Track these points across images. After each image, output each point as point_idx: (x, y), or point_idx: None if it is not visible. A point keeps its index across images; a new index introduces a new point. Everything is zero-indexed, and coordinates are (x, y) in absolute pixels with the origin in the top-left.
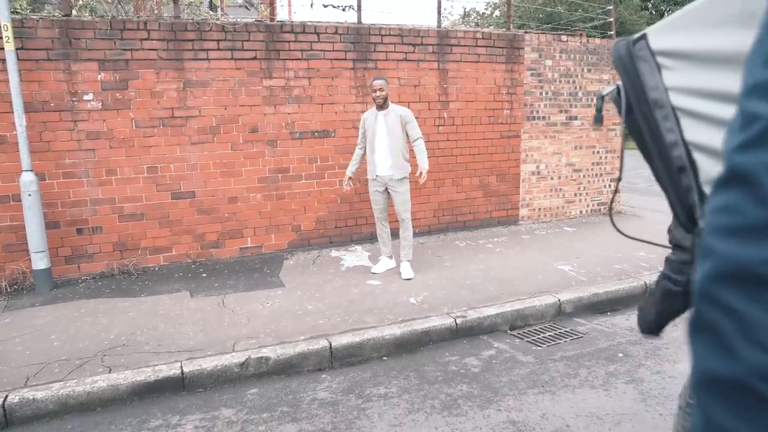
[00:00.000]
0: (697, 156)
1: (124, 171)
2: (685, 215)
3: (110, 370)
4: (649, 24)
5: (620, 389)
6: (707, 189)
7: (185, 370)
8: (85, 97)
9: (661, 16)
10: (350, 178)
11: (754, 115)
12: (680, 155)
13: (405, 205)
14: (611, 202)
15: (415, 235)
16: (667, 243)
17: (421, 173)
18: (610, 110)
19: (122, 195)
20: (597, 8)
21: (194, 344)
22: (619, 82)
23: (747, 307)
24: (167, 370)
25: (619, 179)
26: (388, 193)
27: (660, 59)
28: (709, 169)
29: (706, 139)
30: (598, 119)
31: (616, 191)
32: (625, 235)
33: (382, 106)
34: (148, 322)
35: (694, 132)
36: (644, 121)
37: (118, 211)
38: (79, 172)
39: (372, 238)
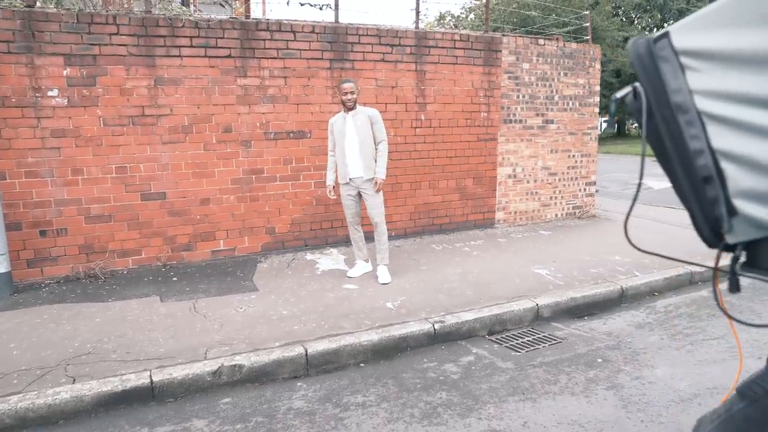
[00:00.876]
0: (726, 165)
1: (92, 171)
2: (709, 229)
3: (74, 380)
4: (620, 30)
5: (600, 396)
6: (737, 201)
7: (155, 379)
8: (50, 93)
9: (632, 22)
10: (333, 186)
11: None
12: (706, 164)
13: (378, 209)
14: (627, 215)
15: (390, 238)
16: (681, 257)
17: (375, 181)
18: (585, 113)
19: (89, 195)
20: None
21: (164, 352)
22: (637, 84)
23: None
24: (135, 379)
25: (639, 186)
26: (360, 197)
27: (684, 59)
28: (740, 179)
29: (737, 147)
30: (611, 124)
31: (634, 200)
32: (641, 250)
33: (351, 108)
34: (116, 328)
35: (722, 139)
36: (665, 127)
37: (85, 212)
38: (43, 172)
39: (348, 241)
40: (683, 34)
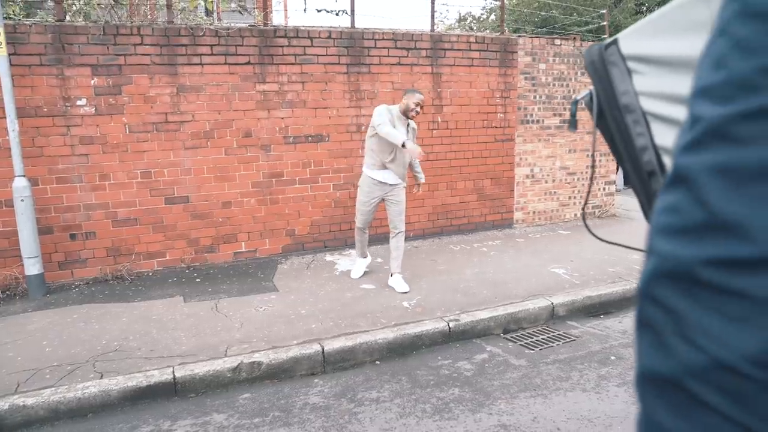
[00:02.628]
0: (667, 160)
1: (118, 176)
2: None
3: (102, 375)
4: None
5: (612, 392)
6: None
7: (177, 375)
8: (78, 103)
9: None
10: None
11: (697, 117)
12: (650, 160)
13: (403, 215)
14: (584, 204)
15: (409, 239)
16: (641, 247)
17: (419, 186)
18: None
19: (116, 200)
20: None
21: (186, 349)
22: (592, 87)
23: (682, 306)
24: (159, 375)
25: (591, 181)
26: (379, 204)
27: (630, 64)
28: None
29: (674, 142)
30: (573, 124)
31: (588, 193)
32: (598, 238)
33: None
34: (141, 327)
35: (663, 136)
36: (615, 126)
37: (112, 216)
38: (72, 177)
39: (370, 241)
40: (630, 40)
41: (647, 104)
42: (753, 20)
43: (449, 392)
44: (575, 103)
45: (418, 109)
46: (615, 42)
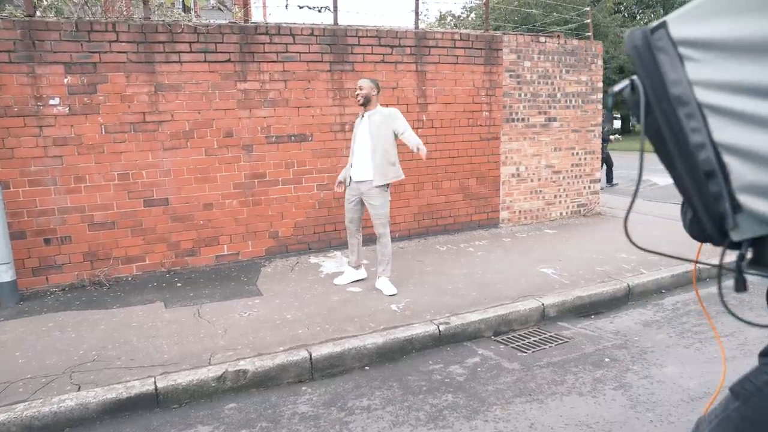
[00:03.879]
0: (729, 159)
1: (94, 178)
2: (712, 225)
3: (79, 387)
4: (622, 26)
5: (608, 396)
6: (742, 197)
7: (159, 385)
8: (51, 102)
9: (634, 18)
10: (340, 182)
11: None
12: (708, 158)
13: (382, 219)
14: (627, 213)
15: (394, 239)
16: (683, 255)
17: (418, 148)
18: (588, 111)
19: (92, 203)
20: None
21: (168, 358)
22: (634, 77)
23: None
24: (140, 386)
25: (638, 184)
26: (362, 204)
27: (683, 50)
28: (744, 173)
29: (740, 139)
30: (609, 119)
31: (634, 197)
32: (642, 249)
33: (365, 106)
34: (121, 335)
35: (724, 132)
36: (665, 121)
37: (88, 219)
38: (46, 180)
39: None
40: (681, 23)
41: (704, 96)
42: None
43: (442, 398)
44: (613, 95)
45: (358, 91)
46: (663, 25)
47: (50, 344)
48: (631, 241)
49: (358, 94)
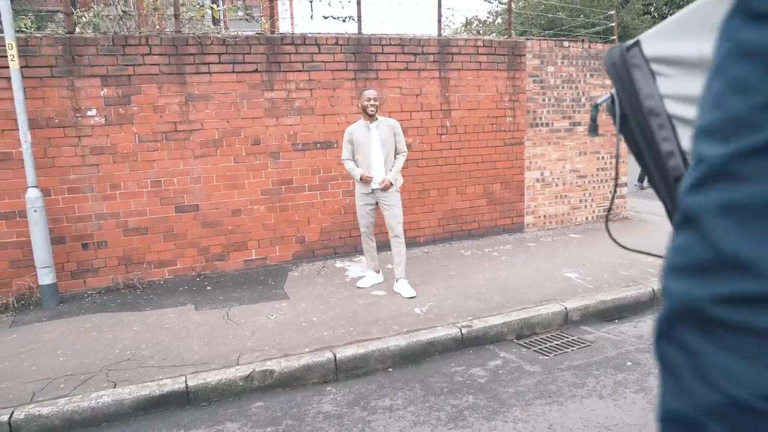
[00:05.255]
0: None
1: (128, 185)
2: None
3: (115, 384)
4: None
5: (629, 399)
6: None
7: (190, 384)
8: (89, 113)
9: (664, 18)
10: (368, 176)
11: (700, 157)
12: (677, 165)
13: (399, 219)
14: (608, 211)
15: (419, 244)
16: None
17: (384, 180)
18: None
19: (126, 209)
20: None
21: (199, 358)
22: (614, 91)
23: (698, 345)
24: (172, 384)
25: (615, 185)
26: (376, 206)
27: (654, 66)
28: None
29: None
30: (593, 128)
31: (613, 198)
32: (621, 246)
33: (373, 116)
34: (153, 336)
35: (689, 140)
36: (639, 130)
37: (123, 225)
38: (84, 187)
39: (379, 246)
40: (653, 41)
41: (673, 108)
42: (745, 60)
43: (463, 399)
44: (596, 107)
45: (373, 102)
46: (637, 44)
47: (88, 344)
48: (613, 239)
49: (372, 105)
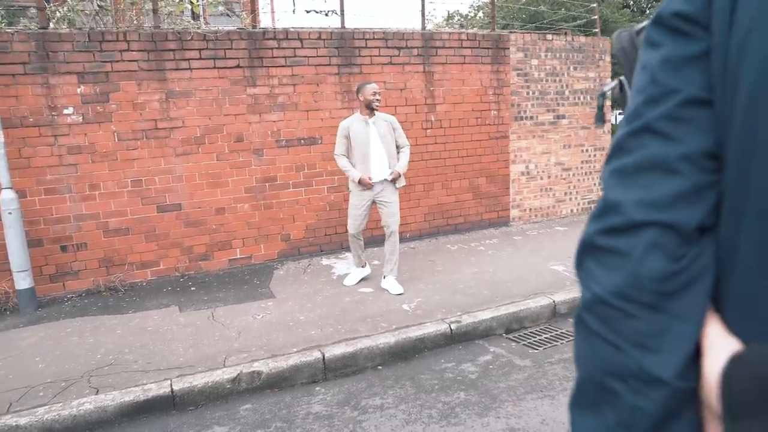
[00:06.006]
0: None
1: (108, 185)
2: None
3: (97, 391)
4: (631, 21)
5: None
6: None
7: (175, 388)
8: (65, 111)
9: (642, 13)
10: (368, 178)
11: (615, 205)
12: None
13: (396, 217)
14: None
15: (405, 240)
16: None
17: (394, 171)
18: (594, 105)
19: (106, 210)
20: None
21: (184, 361)
22: (622, 77)
23: (589, 264)
24: (157, 388)
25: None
26: (371, 207)
27: None
28: None
29: None
30: (600, 117)
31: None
32: None
33: (373, 111)
34: (137, 339)
35: None
36: None
37: (103, 226)
38: (62, 188)
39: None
40: None
41: None
42: (640, 71)
43: (455, 396)
44: (602, 95)
45: (378, 97)
46: (648, 27)
47: (68, 349)
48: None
49: (378, 100)
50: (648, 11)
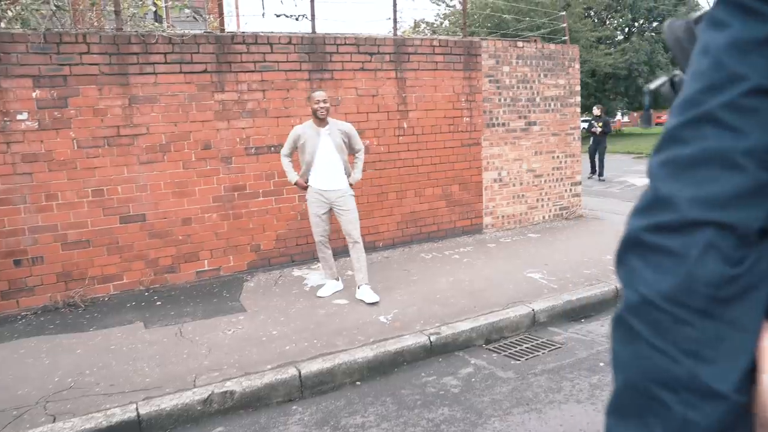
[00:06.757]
0: None
1: (66, 195)
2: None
3: (54, 418)
4: (592, 31)
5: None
6: None
7: (141, 411)
8: (19, 117)
9: (603, 23)
10: (300, 179)
11: (663, 129)
12: None
13: (355, 223)
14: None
15: (378, 249)
16: None
17: (351, 184)
18: (566, 114)
19: (65, 221)
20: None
21: (151, 381)
22: (677, 72)
23: (634, 263)
24: (121, 413)
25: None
26: (330, 213)
27: None
28: None
29: None
30: (647, 119)
31: None
32: None
33: (323, 120)
34: (99, 359)
35: None
36: None
37: (61, 238)
38: (15, 198)
39: (336, 253)
40: None
41: None
42: (699, 55)
43: (438, 412)
44: (650, 93)
45: (321, 105)
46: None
47: (22, 372)
48: None
49: (323, 108)
50: (608, 21)
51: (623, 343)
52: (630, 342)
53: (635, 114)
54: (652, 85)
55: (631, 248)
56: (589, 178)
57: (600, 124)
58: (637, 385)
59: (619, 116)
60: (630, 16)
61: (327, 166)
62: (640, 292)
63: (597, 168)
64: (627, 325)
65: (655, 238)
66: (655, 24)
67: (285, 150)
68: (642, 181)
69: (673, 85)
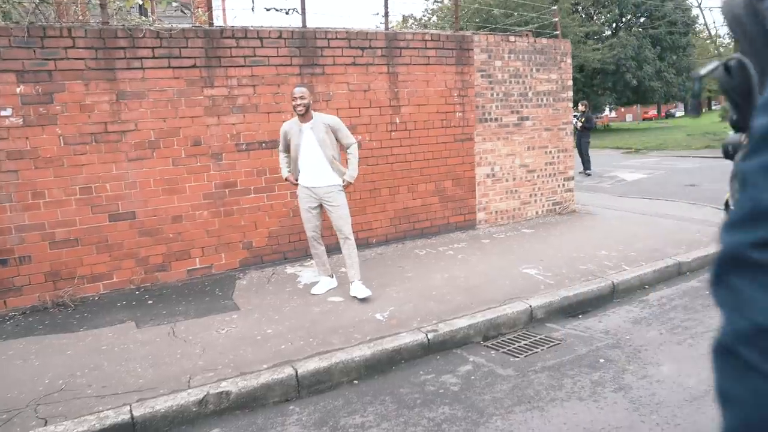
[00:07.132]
0: None
1: (53, 193)
2: None
3: (46, 422)
4: (580, 26)
5: (610, 399)
6: None
7: (135, 414)
8: (3, 113)
9: (591, 18)
10: (290, 174)
11: (753, 130)
12: None
13: (346, 219)
14: None
15: (372, 245)
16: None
17: (346, 182)
18: (559, 109)
19: (52, 219)
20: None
21: (144, 383)
22: (735, 55)
23: (738, 283)
24: (114, 415)
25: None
26: (321, 208)
27: None
28: None
29: None
30: (695, 107)
31: None
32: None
33: (304, 116)
34: (90, 360)
35: None
36: None
37: (49, 237)
38: (1, 197)
39: (329, 250)
40: None
41: None
42: None
43: (439, 411)
44: (699, 79)
45: (298, 101)
46: None
47: (11, 375)
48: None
49: (300, 105)
50: (595, 17)
51: (734, 379)
52: (743, 376)
53: (622, 109)
54: (703, 71)
55: (733, 267)
56: (580, 173)
57: (583, 119)
58: (758, 425)
59: (606, 111)
60: (617, 11)
61: (311, 161)
62: (753, 320)
63: (582, 163)
64: (737, 356)
65: (766, 255)
66: (642, 19)
67: (280, 146)
68: (632, 176)
69: (728, 69)
